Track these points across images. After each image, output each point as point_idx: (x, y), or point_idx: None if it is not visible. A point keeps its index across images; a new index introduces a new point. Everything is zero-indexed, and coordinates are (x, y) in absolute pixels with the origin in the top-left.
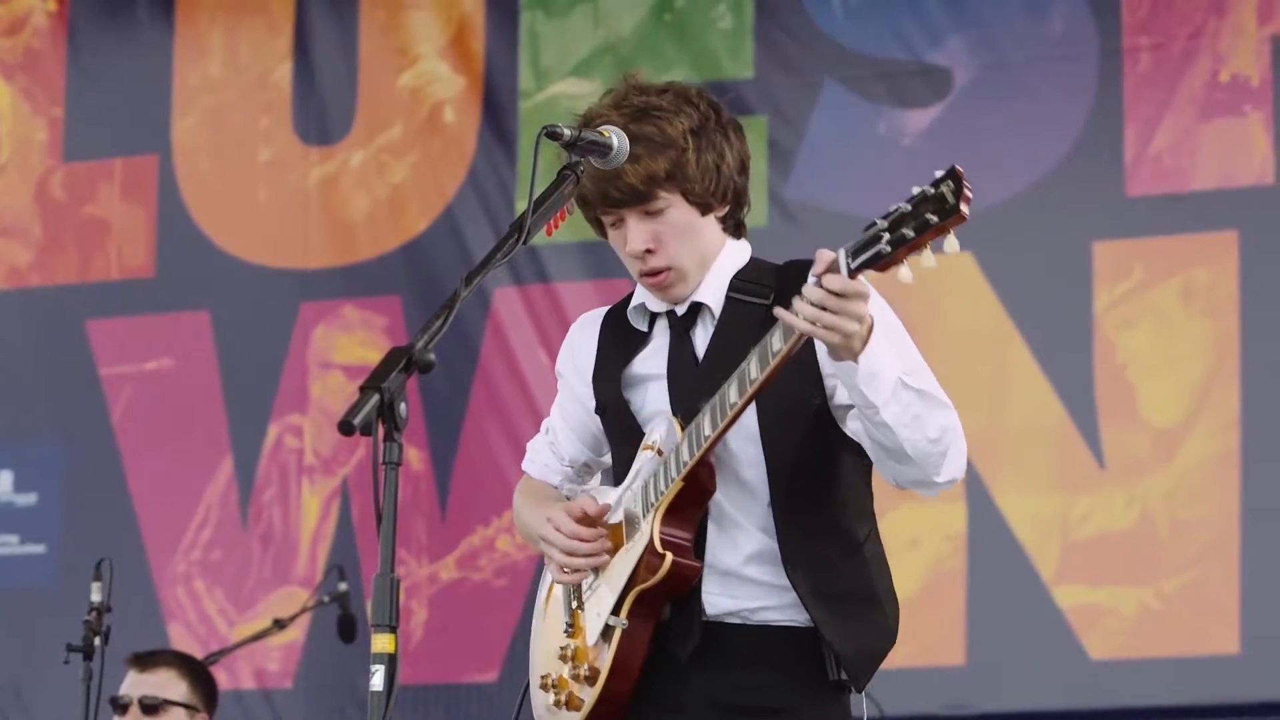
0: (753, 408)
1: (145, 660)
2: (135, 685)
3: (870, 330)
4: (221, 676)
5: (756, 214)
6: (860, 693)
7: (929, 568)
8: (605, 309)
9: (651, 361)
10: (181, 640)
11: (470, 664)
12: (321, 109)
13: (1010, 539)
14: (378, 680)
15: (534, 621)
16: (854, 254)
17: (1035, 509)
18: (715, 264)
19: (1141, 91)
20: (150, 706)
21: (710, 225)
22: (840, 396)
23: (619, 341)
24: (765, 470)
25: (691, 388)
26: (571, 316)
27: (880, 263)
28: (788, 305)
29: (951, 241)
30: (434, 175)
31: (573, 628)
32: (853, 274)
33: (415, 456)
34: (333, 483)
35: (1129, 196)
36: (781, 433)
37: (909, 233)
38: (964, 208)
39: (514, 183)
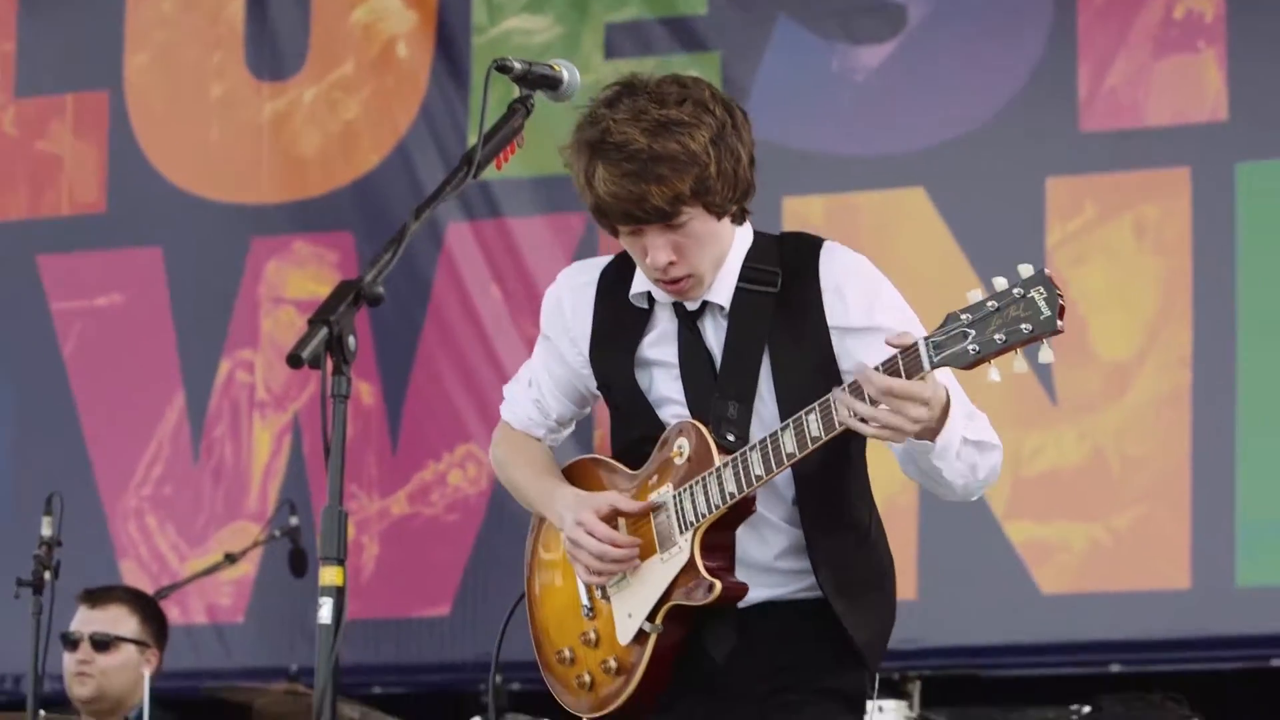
0: (774, 400)
1: (96, 596)
2: (86, 621)
3: (948, 410)
4: (173, 611)
5: None
6: (873, 672)
7: (880, 503)
8: (595, 268)
9: (659, 348)
10: (133, 575)
11: (421, 598)
12: (274, 45)
13: None
14: (325, 613)
15: (529, 563)
16: (936, 348)
17: None
18: (727, 259)
19: (1095, 27)
20: (101, 643)
21: (725, 226)
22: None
23: (620, 317)
24: (791, 472)
25: (708, 389)
26: (524, 251)
27: (964, 364)
28: (795, 296)
29: (1046, 352)
30: (386, 111)
31: (594, 613)
32: (934, 367)
33: (366, 391)
34: (284, 418)
35: (1082, 132)
36: None
37: (999, 338)
38: (1060, 323)
39: (466, 118)
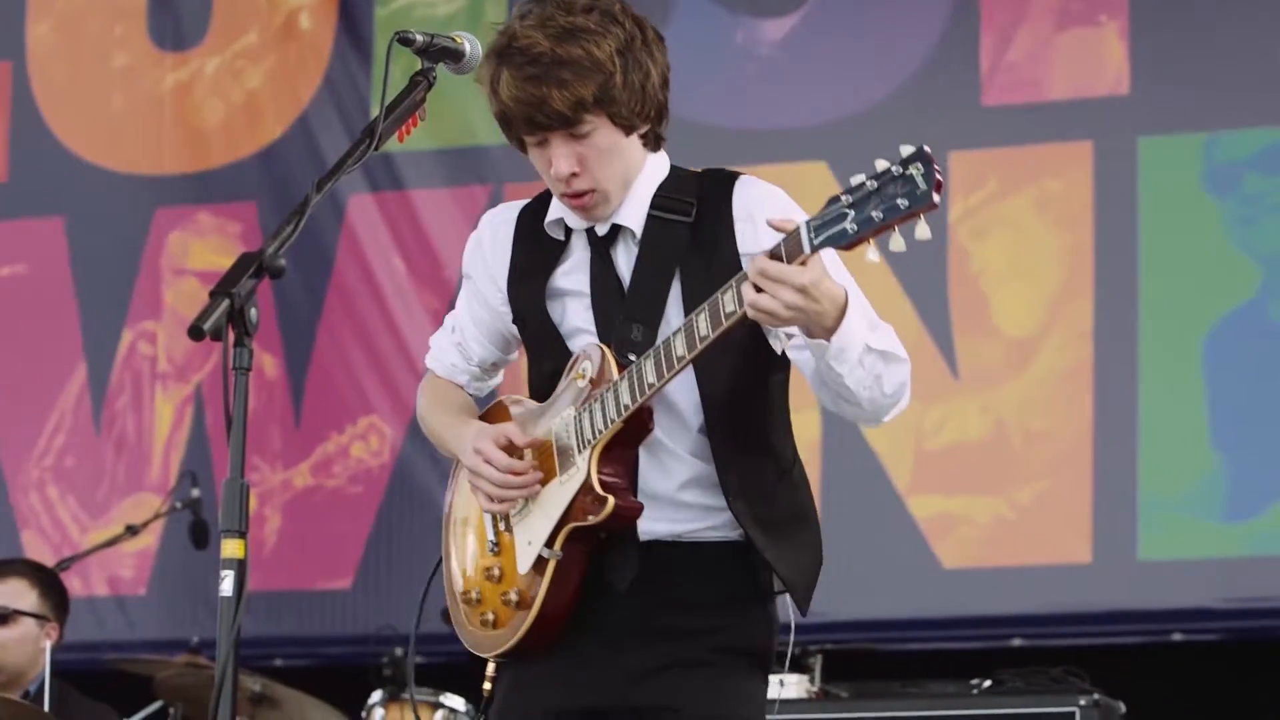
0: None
1: None
2: None
3: (845, 309)
4: (74, 583)
5: None
6: (804, 615)
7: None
8: (515, 208)
9: (573, 277)
10: (35, 547)
11: (324, 571)
12: (176, 15)
13: (865, 448)
14: (227, 585)
15: (447, 516)
16: (817, 230)
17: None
18: (637, 183)
19: (998, 0)
20: None
21: (633, 144)
22: None
23: (536, 250)
24: (699, 398)
25: (617, 314)
26: (428, 224)
27: (844, 244)
28: (708, 226)
29: (923, 228)
30: (289, 82)
31: (499, 547)
32: (815, 249)
33: (270, 364)
34: (186, 389)
35: (985, 106)
36: (715, 359)
37: (877, 215)
38: (936, 197)
39: (369, 90)
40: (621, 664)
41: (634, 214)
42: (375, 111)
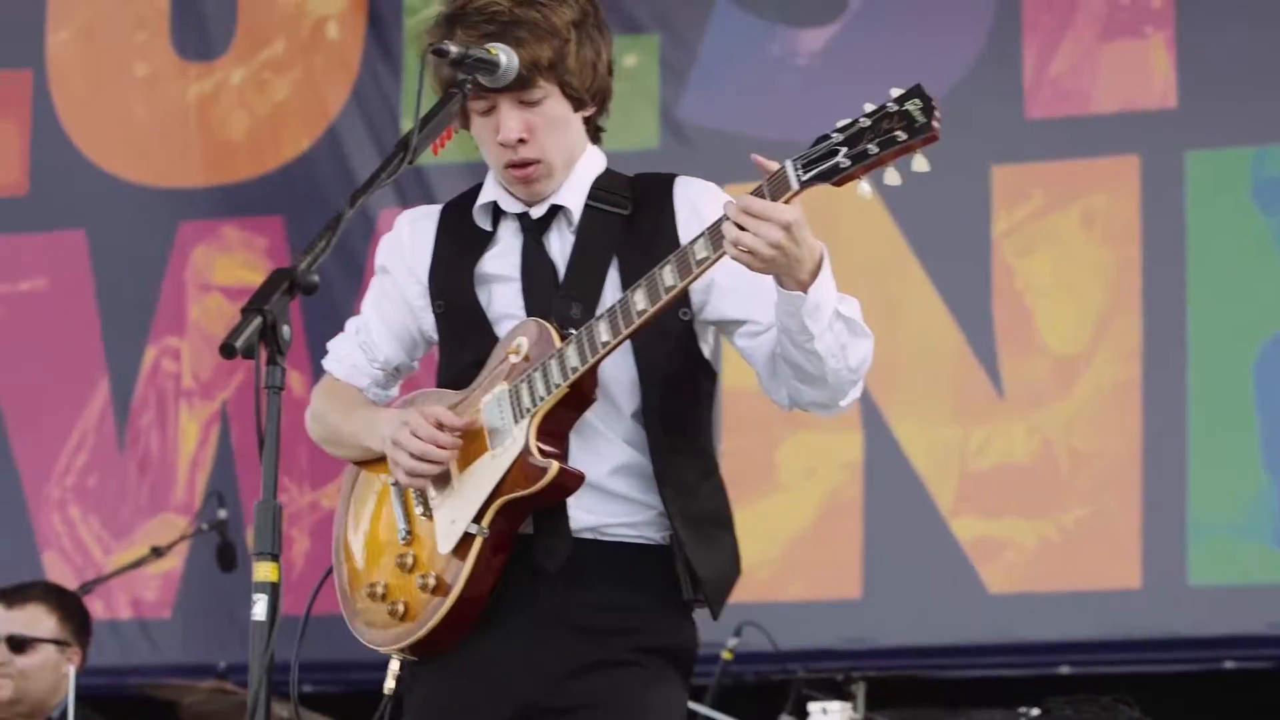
0: None
1: (13, 596)
2: (2, 622)
3: (821, 261)
4: (97, 606)
5: (647, 134)
6: (715, 619)
7: (825, 498)
8: (437, 207)
9: (501, 261)
10: (56, 569)
11: None
12: (201, 24)
13: (908, 469)
14: (260, 609)
15: (341, 523)
16: (804, 167)
17: (933, 439)
18: (578, 167)
19: (1041, 11)
20: (19, 643)
21: (579, 124)
22: (710, 312)
23: (461, 238)
24: (637, 382)
25: (552, 295)
26: None
27: (836, 177)
28: (647, 219)
29: (920, 161)
30: (317, 93)
31: (411, 535)
32: (803, 186)
33: (298, 380)
34: (211, 407)
35: (1028, 119)
36: (653, 344)
37: (872, 148)
38: (936, 125)
39: (399, 100)
40: (539, 661)
41: (573, 197)
42: (406, 123)
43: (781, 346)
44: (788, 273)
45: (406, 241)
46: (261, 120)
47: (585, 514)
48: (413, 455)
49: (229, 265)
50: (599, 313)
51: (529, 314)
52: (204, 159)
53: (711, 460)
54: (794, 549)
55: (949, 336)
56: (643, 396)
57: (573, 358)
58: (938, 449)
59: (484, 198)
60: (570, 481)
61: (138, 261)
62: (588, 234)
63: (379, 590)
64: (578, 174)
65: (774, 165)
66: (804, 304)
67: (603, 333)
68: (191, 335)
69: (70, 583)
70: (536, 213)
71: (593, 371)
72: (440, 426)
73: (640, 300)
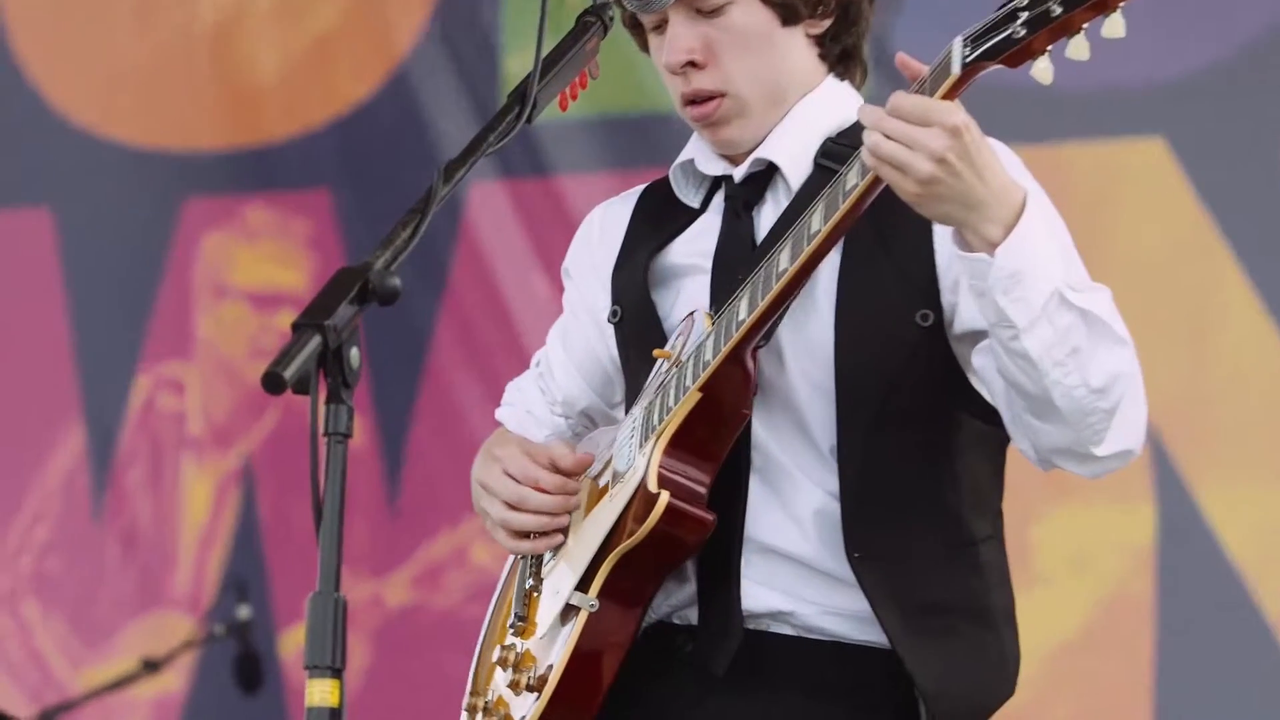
0: (829, 317)
1: None
2: None
3: (1023, 209)
4: None
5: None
6: None
7: (1102, 596)
8: (642, 186)
9: (694, 246)
10: (2, 691)
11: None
12: None
13: (1217, 554)
14: None
15: (481, 633)
16: (973, 43)
17: (1254, 510)
18: (799, 108)
19: None
20: None
21: (796, 44)
22: (964, 320)
23: (656, 220)
24: (835, 405)
25: (737, 282)
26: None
27: (1010, 51)
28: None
29: (1115, 23)
30: (379, 20)
31: (524, 622)
32: (967, 71)
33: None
34: (229, 462)
35: None
36: (865, 356)
37: (1055, 7)
38: None
39: (499, 31)
40: None
41: (790, 150)
42: (511, 63)
43: (994, 353)
44: (962, 215)
45: (597, 232)
46: (299, 59)
47: (770, 592)
48: (507, 504)
49: (255, 260)
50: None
51: (714, 306)
52: (220, 112)
53: (966, 532)
54: (1059, 664)
55: (1254, 323)
56: (839, 425)
57: (708, 351)
58: (1262, 525)
59: (685, 154)
60: (691, 524)
61: (125, 253)
62: (807, 203)
63: (480, 704)
64: (800, 119)
65: (923, 69)
66: (990, 270)
67: (741, 309)
68: (201, 359)
69: (22, 712)
70: (741, 173)
71: (738, 367)
72: (552, 465)
73: (785, 258)
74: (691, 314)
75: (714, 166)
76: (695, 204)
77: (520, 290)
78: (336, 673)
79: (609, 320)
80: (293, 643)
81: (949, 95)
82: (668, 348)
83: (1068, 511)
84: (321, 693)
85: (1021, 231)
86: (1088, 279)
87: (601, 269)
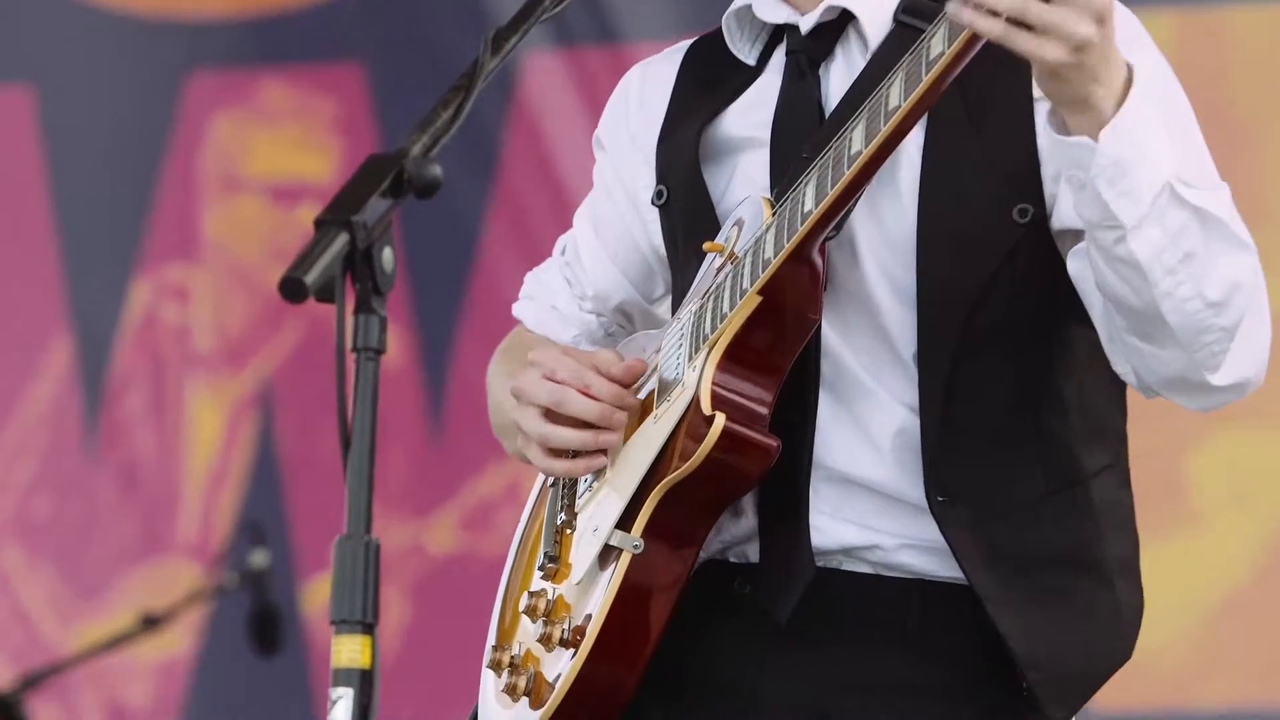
0: (912, 207)
1: None
2: None
3: (1130, 85)
4: (50, 713)
5: None
6: None
7: (1272, 535)
8: (687, 43)
9: (752, 115)
10: None
11: (474, 689)
12: None
13: None
14: (342, 712)
15: (505, 573)
16: None
17: None
18: None
19: None
20: None
21: None
22: (1062, 217)
23: (706, 82)
24: (916, 312)
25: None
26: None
27: None
28: (988, 53)
29: None
30: None
31: (556, 564)
32: None
33: (390, 340)
34: (244, 385)
35: None
36: (954, 252)
37: None
38: None
39: None
40: None
41: (871, 7)
42: None
43: (1092, 262)
44: (1089, 91)
45: (634, 98)
46: None
47: (845, 525)
48: (544, 413)
49: (272, 146)
50: (842, 239)
51: (773, 187)
52: None
53: (1077, 464)
54: (1218, 622)
55: None
56: (920, 333)
57: (768, 248)
58: None
59: (738, 2)
60: (752, 450)
61: (119, 139)
62: (885, 66)
63: (504, 659)
64: None
65: None
66: (1095, 157)
67: (807, 197)
68: (209, 263)
69: (3, 674)
70: (809, 23)
71: (805, 265)
72: (598, 371)
73: (858, 137)
74: (749, 198)
75: (777, 13)
76: (751, 61)
77: (584, 178)
78: (368, 628)
79: (652, 202)
80: (317, 595)
81: None
82: (720, 239)
83: (1226, 439)
84: (350, 652)
85: (1129, 114)
86: (1212, 175)
87: (641, 141)
